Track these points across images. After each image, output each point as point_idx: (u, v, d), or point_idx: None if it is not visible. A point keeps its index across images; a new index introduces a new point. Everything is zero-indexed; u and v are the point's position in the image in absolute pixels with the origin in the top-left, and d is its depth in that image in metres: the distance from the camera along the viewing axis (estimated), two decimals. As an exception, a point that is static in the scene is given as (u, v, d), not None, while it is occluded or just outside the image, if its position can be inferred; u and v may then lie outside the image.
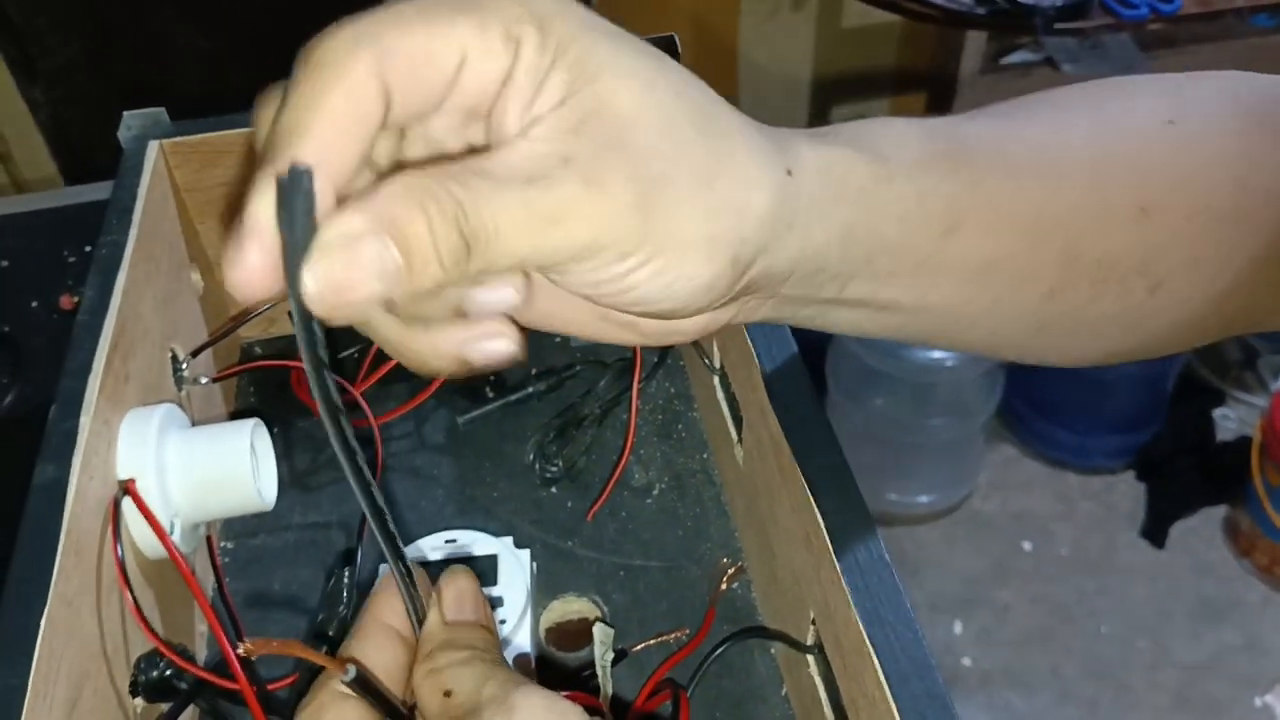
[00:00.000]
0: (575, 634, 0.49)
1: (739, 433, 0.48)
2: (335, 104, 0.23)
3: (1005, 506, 1.70)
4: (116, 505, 0.41)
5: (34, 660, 0.34)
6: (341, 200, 0.24)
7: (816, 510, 0.36)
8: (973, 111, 0.35)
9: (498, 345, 0.28)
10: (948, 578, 1.60)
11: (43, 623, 0.34)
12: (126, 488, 0.42)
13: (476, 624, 0.33)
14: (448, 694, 0.30)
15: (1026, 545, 1.65)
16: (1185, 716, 1.47)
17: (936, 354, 1.44)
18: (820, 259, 0.30)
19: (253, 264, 0.23)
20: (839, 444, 0.38)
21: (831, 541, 0.35)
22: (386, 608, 0.33)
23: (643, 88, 0.26)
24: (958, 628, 1.55)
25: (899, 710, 0.31)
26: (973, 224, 0.32)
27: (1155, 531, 1.64)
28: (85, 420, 0.40)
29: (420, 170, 0.24)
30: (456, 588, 0.33)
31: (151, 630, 0.39)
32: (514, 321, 0.28)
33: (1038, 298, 0.34)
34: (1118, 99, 0.36)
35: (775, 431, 0.40)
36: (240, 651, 0.27)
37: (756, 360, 0.42)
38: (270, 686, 0.44)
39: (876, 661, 0.32)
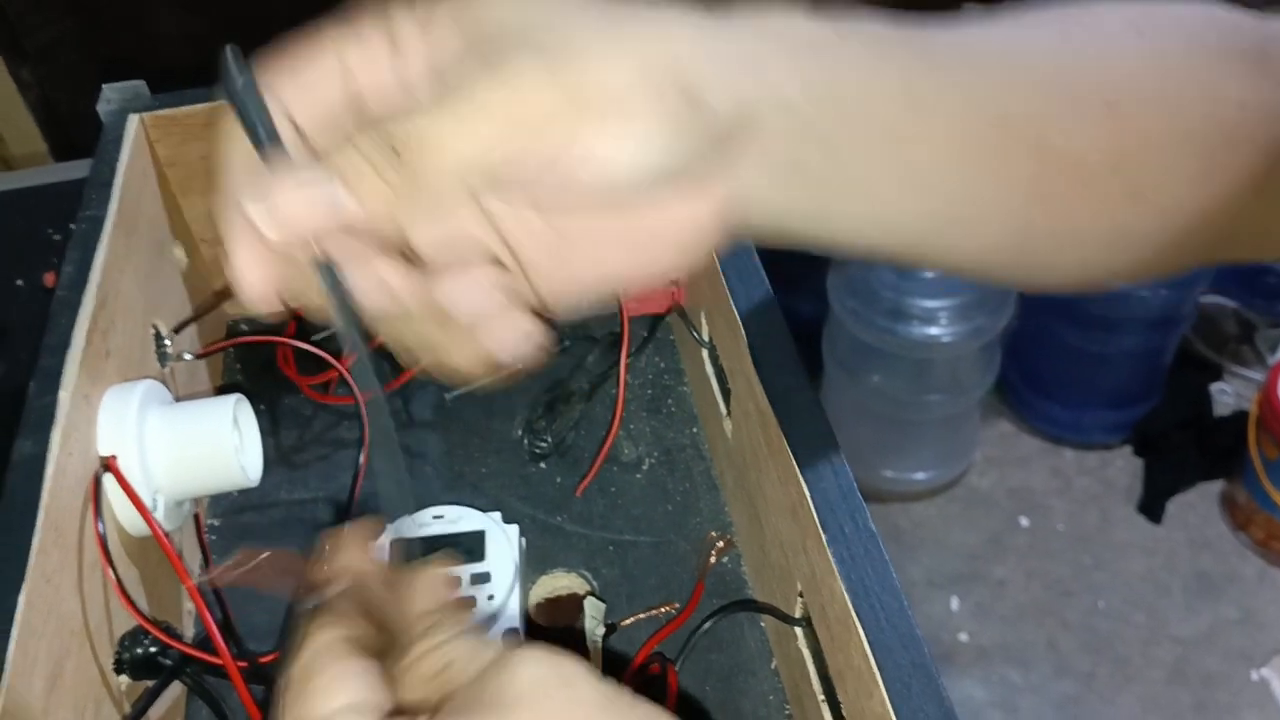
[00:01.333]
0: (564, 608, 0.49)
1: (727, 405, 0.47)
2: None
3: (1002, 482, 1.70)
4: (98, 482, 0.40)
5: (11, 639, 0.33)
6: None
7: (802, 481, 0.35)
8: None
9: (518, 338, 0.30)
10: (944, 554, 1.60)
11: (20, 600, 0.34)
12: (107, 464, 0.41)
13: (454, 607, 0.33)
14: (440, 672, 0.30)
15: (1023, 521, 1.65)
16: (1181, 690, 1.47)
17: (933, 330, 1.44)
18: (784, 108, 0.29)
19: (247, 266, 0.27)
20: (825, 415, 0.37)
21: (817, 512, 0.34)
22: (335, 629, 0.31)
23: None
24: (954, 603, 1.55)
25: (884, 681, 0.30)
26: (935, 103, 0.31)
27: (1152, 506, 1.64)
28: (64, 396, 0.40)
29: (354, 127, 0.27)
30: (433, 581, 0.33)
31: (135, 607, 0.39)
32: (541, 316, 0.29)
33: (1019, 199, 0.34)
34: (1083, 13, 0.36)
35: (762, 403, 0.40)
36: (204, 580, 0.28)
37: (743, 332, 0.41)
38: (260, 660, 0.44)
39: (862, 633, 0.31)
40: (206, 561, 0.48)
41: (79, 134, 1.31)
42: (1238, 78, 0.36)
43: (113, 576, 0.39)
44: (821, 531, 0.34)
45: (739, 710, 0.44)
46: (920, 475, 1.65)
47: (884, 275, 1.43)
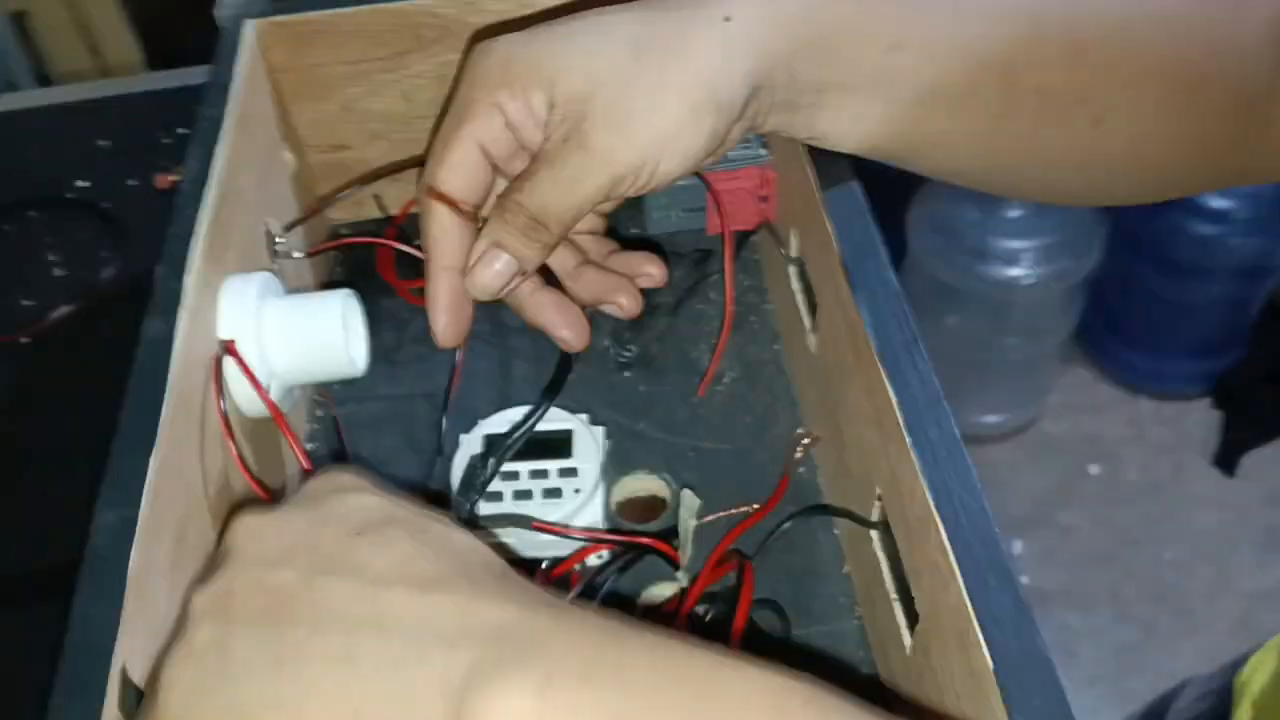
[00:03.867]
0: (644, 509, 0.51)
1: (813, 321, 0.49)
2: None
3: (1075, 429, 1.68)
4: (219, 363, 0.43)
5: (145, 495, 0.36)
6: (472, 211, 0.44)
7: (890, 389, 0.37)
8: None
9: (621, 299, 0.48)
10: (1012, 498, 1.60)
11: (152, 463, 0.37)
12: (228, 348, 0.44)
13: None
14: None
15: (1094, 469, 1.64)
16: (1245, 644, 1.46)
17: (1015, 271, 1.42)
18: (787, 68, 0.38)
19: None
20: (913, 325, 0.38)
21: (904, 418, 0.36)
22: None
23: (583, 61, 0.39)
24: (1018, 547, 1.56)
25: (962, 576, 0.32)
26: (916, 44, 0.38)
27: (1227, 459, 1.61)
28: (189, 280, 0.43)
29: (501, 196, 0.42)
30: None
31: (254, 477, 0.42)
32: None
33: (986, 121, 0.40)
34: None
35: (851, 314, 0.41)
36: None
37: (836, 244, 0.42)
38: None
39: (942, 530, 0.33)
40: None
41: (177, 42, 1.35)
42: (1209, 18, 0.38)
43: (234, 450, 0.41)
44: (907, 436, 0.35)
45: (810, 610, 0.46)
46: (992, 419, 1.64)
47: (968, 213, 1.41)
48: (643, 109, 0.38)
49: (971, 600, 0.31)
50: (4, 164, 0.74)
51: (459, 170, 0.42)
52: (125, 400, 0.39)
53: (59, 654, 0.33)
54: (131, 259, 0.67)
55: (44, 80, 1.46)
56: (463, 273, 0.43)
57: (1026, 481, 1.62)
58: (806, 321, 0.49)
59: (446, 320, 0.45)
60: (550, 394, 0.49)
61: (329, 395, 0.56)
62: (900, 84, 0.39)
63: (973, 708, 0.32)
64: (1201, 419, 1.67)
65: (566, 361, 0.49)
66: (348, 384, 0.56)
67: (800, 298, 0.51)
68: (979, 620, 0.31)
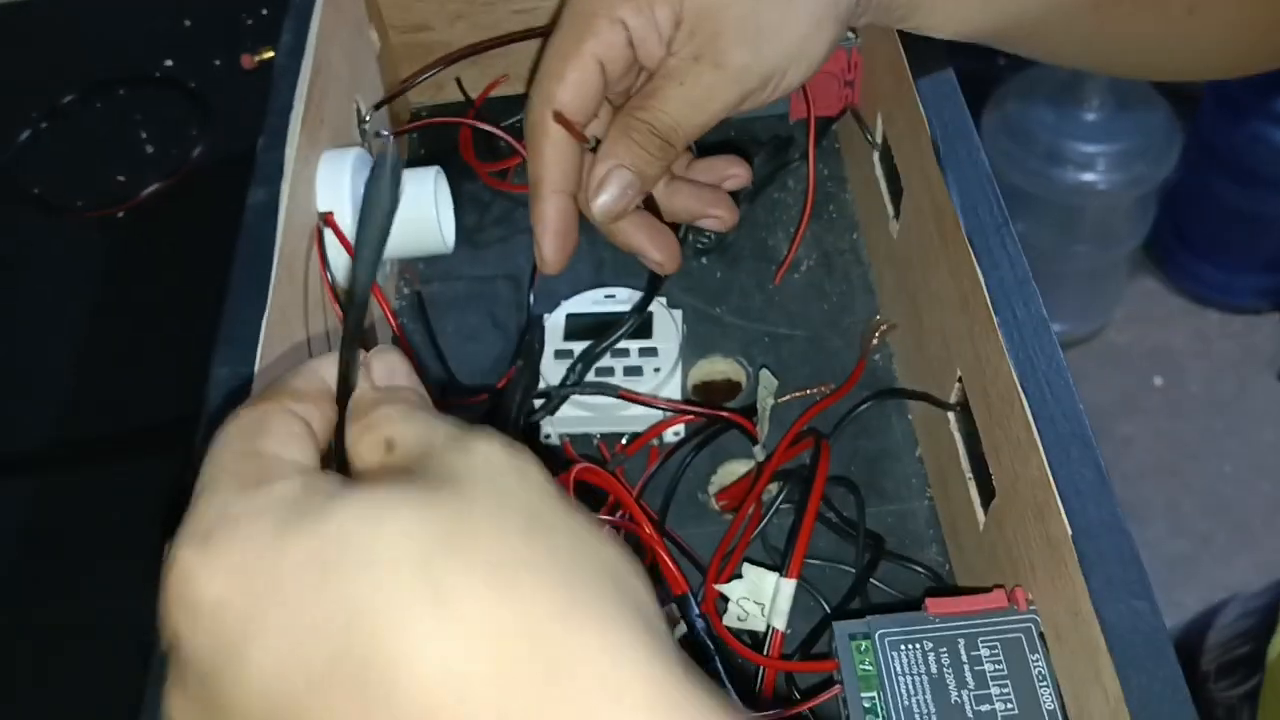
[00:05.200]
0: (719, 391, 0.52)
1: (896, 207, 0.49)
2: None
3: (1141, 341, 1.66)
4: (320, 233, 0.45)
5: (258, 354, 0.38)
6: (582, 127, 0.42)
7: (979, 269, 0.37)
8: None
9: (718, 212, 0.47)
10: (1070, 408, 1.60)
11: (264, 322, 0.39)
12: (326, 219, 0.45)
13: (410, 389, 0.29)
14: (390, 446, 0.27)
15: (1158, 380, 1.62)
16: (1301, 560, 1.46)
17: (1089, 176, 1.39)
18: None
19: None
20: (1003, 207, 0.39)
21: (991, 298, 0.36)
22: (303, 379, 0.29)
23: None
24: (1075, 456, 1.56)
25: (1045, 448, 0.33)
26: None
27: (1295, 375, 1.59)
28: (290, 152, 0.44)
29: (623, 115, 0.41)
30: (387, 360, 0.30)
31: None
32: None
33: (1083, 9, 0.41)
34: None
35: (939, 197, 0.41)
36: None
37: (927, 125, 0.42)
38: (464, 401, 0.49)
39: (1026, 404, 0.34)
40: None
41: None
42: None
43: (339, 311, 0.43)
44: (994, 314, 0.36)
45: (882, 490, 0.47)
46: (1058, 327, 1.61)
47: (1043, 116, 1.38)
48: (773, 24, 0.38)
49: (1053, 471, 0.32)
50: (93, 44, 0.75)
51: (577, 89, 0.41)
52: (234, 264, 0.41)
53: (179, 504, 0.35)
54: (219, 137, 0.69)
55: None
56: (574, 195, 0.42)
57: (1089, 391, 1.60)
58: (889, 208, 0.50)
59: (557, 245, 0.43)
60: (645, 302, 0.50)
61: (414, 274, 0.57)
62: None
63: (1048, 575, 0.33)
64: (1270, 333, 1.64)
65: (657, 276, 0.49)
66: (431, 264, 0.58)
67: (883, 184, 0.51)
68: (1059, 490, 0.32)
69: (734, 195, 0.58)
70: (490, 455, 0.25)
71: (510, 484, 0.24)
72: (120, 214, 0.65)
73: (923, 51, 0.45)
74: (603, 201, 0.41)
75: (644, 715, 0.20)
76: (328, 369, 0.28)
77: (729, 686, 0.39)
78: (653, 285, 0.50)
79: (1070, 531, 0.31)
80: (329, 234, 0.45)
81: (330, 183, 0.46)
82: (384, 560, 0.22)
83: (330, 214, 0.45)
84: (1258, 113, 1.42)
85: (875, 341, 0.50)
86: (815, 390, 0.49)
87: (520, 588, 0.22)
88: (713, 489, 0.49)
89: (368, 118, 0.54)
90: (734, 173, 0.49)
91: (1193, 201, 1.56)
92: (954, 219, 0.39)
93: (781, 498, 0.45)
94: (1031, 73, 1.40)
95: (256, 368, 0.38)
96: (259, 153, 0.45)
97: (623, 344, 0.50)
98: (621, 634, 0.21)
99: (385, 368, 0.29)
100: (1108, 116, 1.39)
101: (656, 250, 0.45)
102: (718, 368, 0.53)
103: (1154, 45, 0.43)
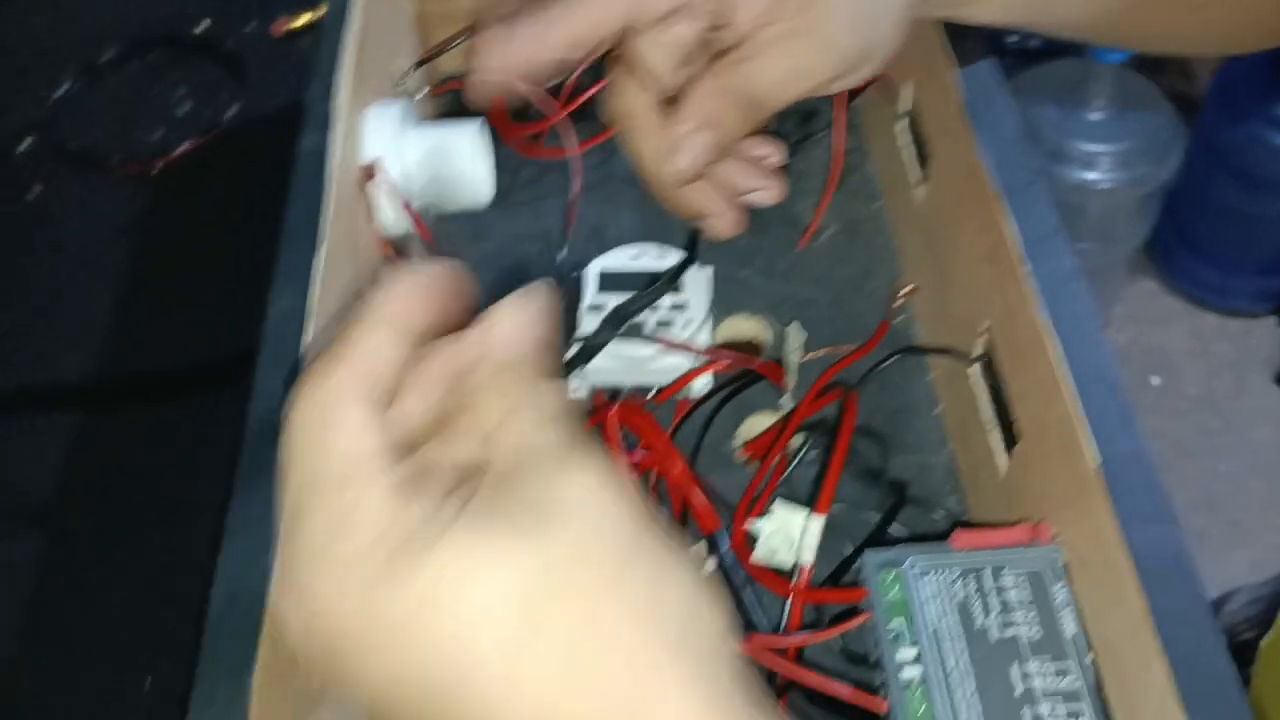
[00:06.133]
0: (745, 349, 0.54)
1: (924, 172, 0.50)
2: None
3: (1137, 340, 1.68)
4: (367, 182, 0.46)
5: (312, 285, 0.39)
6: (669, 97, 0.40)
7: (1011, 221, 0.39)
8: None
9: (769, 185, 0.47)
10: (1067, 405, 1.61)
11: (318, 257, 0.40)
12: (373, 169, 0.47)
13: (532, 361, 0.28)
14: (501, 422, 0.26)
15: (1154, 380, 1.64)
16: (1292, 556, 1.48)
17: (1092, 175, 1.41)
18: None
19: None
20: (1036, 163, 0.40)
21: (1024, 247, 0.38)
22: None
23: None
24: (1071, 452, 1.57)
25: (1076, 384, 0.34)
26: None
27: (1290, 376, 1.61)
28: (340, 101, 0.45)
29: (710, 77, 0.39)
30: (517, 320, 0.27)
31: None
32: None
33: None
34: None
35: (970, 155, 0.42)
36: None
37: (960, 87, 0.44)
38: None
39: (1056, 344, 0.35)
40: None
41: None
42: None
43: (392, 250, 0.45)
44: (1026, 263, 0.37)
45: (903, 443, 0.49)
46: (1054, 323, 1.64)
47: (1047, 113, 1.40)
48: (875, 10, 0.38)
49: (1086, 409, 0.34)
50: (132, 3, 0.77)
51: (668, 52, 0.39)
52: (289, 204, 0.42)
53: (242, 429, 0.36)
54: (252, 100, 0.70)
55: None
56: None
57: (1084, 389, 1.63)
58: (916, 174, 0.51)
59: (724, 211, 0.45)
60: (687, 262, 0.52)
61: (446, 232, 0.59)
62: None
63: (1072, 507, 0.35)
64: (1266, 336, 1.66)
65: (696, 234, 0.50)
66: (464, 222, 0.59)
67: (909, 151, 0.52)
68: (1089, 424, 0.33)
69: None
70: (589, 487, 0.24)
71: (605, 521, 0.24)
72: (154, 171, 0.66)
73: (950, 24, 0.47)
74: (681, 160, 0.40)
75: None
76: (389, 305, 0.27)
77: (758, 616, 0.40)
78: (693, 246, 0.52)
79: (1099, 461, 0.33)
80: (374, 184, 0.46)
81: (377, 134, 0.48)
82: (484, 607, 0.23)
83: (377, 163, 0.47)
84: (1259, 115, 1.44)
85: (898, 303, 0.52)
86: (838, 349, 0.51)
87: (610, 634, 0.23)
88: (736, 442, 0.50)
89: (407, 76, 0.56)
90: (769, 152, 0.48)
91: (1193, 203, 1.58)
92: (986, 176, 0.41)
93: (807, 447, 0.46)
94: (1036, 71, 1.42)
95: (311, 300, 0.39)
96: (309, 102, 0.46)
97: (654, 298, 0.51)
98: (698, 687, 0.23)
99: (514, 329, 0.27)
100: (1112, 116, 1.41)
101: (718, 217, 0.45)
102: (742, 326, 0.55)
103: (1182, 29, 0.45)
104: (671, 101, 0.40)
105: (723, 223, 0.45)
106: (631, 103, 0.41)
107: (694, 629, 0.24)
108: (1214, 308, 1.68)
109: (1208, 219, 1.61)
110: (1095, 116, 1.41)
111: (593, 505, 0.24)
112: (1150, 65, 1.49)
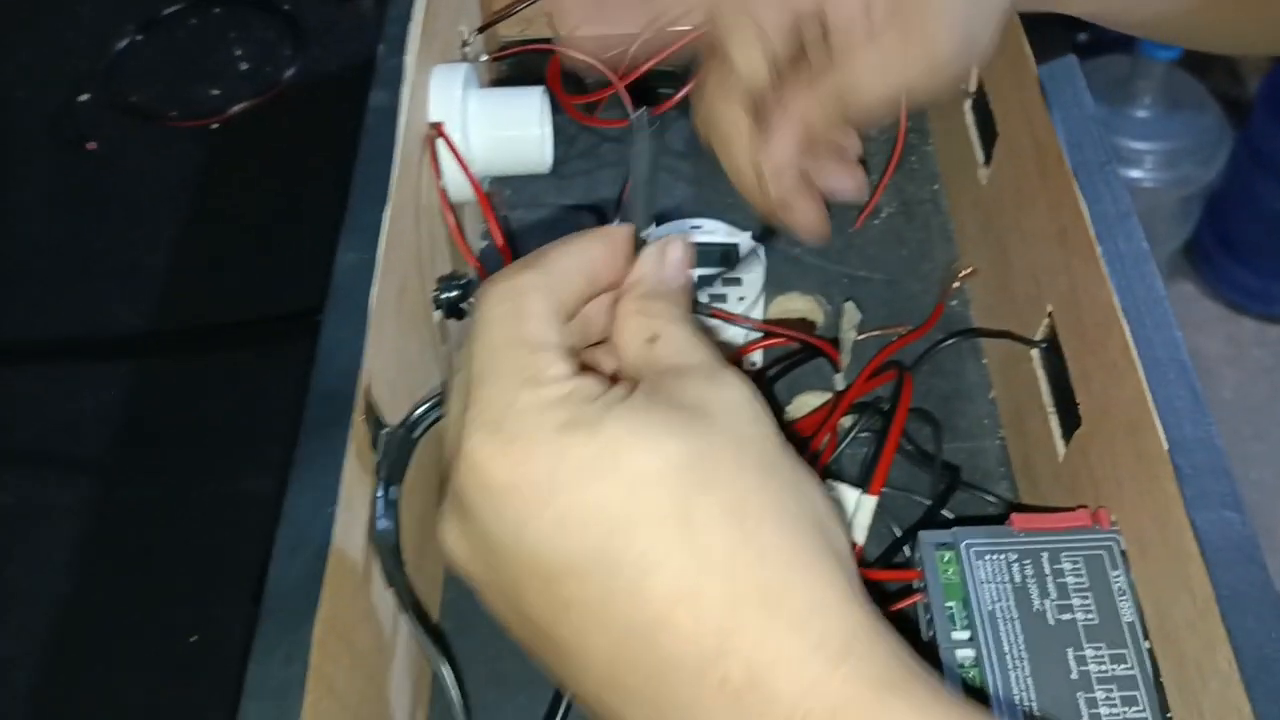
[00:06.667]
0: (797, 327, 0.54)
1: (988, 153, 0.50)
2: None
3: (1172, 342, 1.67)
4: (432, 143, 0.46)
5: (379, 241, 0.40)
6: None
7: (1083, 201, 0.38)
8: None
9: (852, 179, 0.45)
10: (1098, 405, 1.60)
11: (384, 216, 0.40)
12: (438, 130, 0.47)
13: (687, 294, 0.32)
14: (652, 340, 0.29)
15: (1187, 383, 1.63)
16: (1320, 567, 1.47)
17: (1136, 173, 1.40)
18: None
19: None
20: (1107, 142, 0.40)
21: (1095, 228, 0.38)
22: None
23: None
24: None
25: (1144, 368, 0.34)
26: None
27: (1328, 385, 1.59)
28: (409, 60, 0.45)
29: (806, 71, 0.39)
30: (676, 252, 0.32)
31: (468, 247, 0.45)
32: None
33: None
34: None
35: (1041, 132, 0.42)
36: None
37: (1033, 65, 0.43)
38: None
39: (1127, 328, 0.35)
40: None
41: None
42: None
43: (453, 220, 0.45)
44: (1098, 245, 0.37)
45: (955, 428, 0.49)
46: (1090, 322, 1.63)
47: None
48: (974, 14, 0.37)
49: (1151, 390, 0.33)
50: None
51: (761, 50, 0.39)
52: (358, 159, 0.42)
53: (307, 382, 0.37)
54: (310, 60, 0.70)
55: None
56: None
57: (1117, 390, 1.62)
58: (979, 155, 0.51)
59: (810, 208, 0.43)
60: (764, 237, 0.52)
61: (501, 198, 0.59)
62: None
63: (1136, 492, 0.35)
64: (1304, 344, 1.65)
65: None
66: (518, 190, 0.59)
67: (974, 132, 0.52)
68: (1158, 407, 0.33)
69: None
70: (737, 395, 0.28)
71: (749, 428, 0.27)
72: (213, 126, 0.67)
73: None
74: (777, 152, 0.39)
75: (836, 644, 0.24)
76: (585, 245, 0.31)
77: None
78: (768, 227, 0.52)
79: (1167, 445, 0.32)
80: (440, 143, 0.46)
81: (442, 95, 0.48)
82: (646, 478, 0.25)
83: (441, 124, 0.47)
84: (1304, 120, 1.42)
85: (955, 285, 0.51)
86: (893, 330, 0.51)
87: (752, 527, 0.25)
88: (785, 420, 0.50)
89: (469, 41, 0.56)
90: (848, 144, 0.47)
91: (1236, 207, 1.56)
92: (1057, 155, 0.40)
93: (858, 427, 0.46)
94: (1083, 66, 1.41)
95: (378, 254, 0.39)
96: (379, 59, 0.46)
97: (709, 271, 0.51)
98: (828, 587, 0.25)
99: (676, 260, 0.32)
100: (1158, 114, 1.40)
101: (805, 215, 0.43)
102: (795, 304, 0.54)
103: (1253, 30, 0.45)
104: (760, 98, 0.40)
105: (806, 219, 0.44)
106: (724, 100, 0.40)
107: (827, 535, 0.26)
108: (1252, 313, 1.67)
109: (1250, 223, 1.59)
110: (1141, 114, 1.40)
111: (743, 413, 0.27)
112: (1199, 65, 1.47)
